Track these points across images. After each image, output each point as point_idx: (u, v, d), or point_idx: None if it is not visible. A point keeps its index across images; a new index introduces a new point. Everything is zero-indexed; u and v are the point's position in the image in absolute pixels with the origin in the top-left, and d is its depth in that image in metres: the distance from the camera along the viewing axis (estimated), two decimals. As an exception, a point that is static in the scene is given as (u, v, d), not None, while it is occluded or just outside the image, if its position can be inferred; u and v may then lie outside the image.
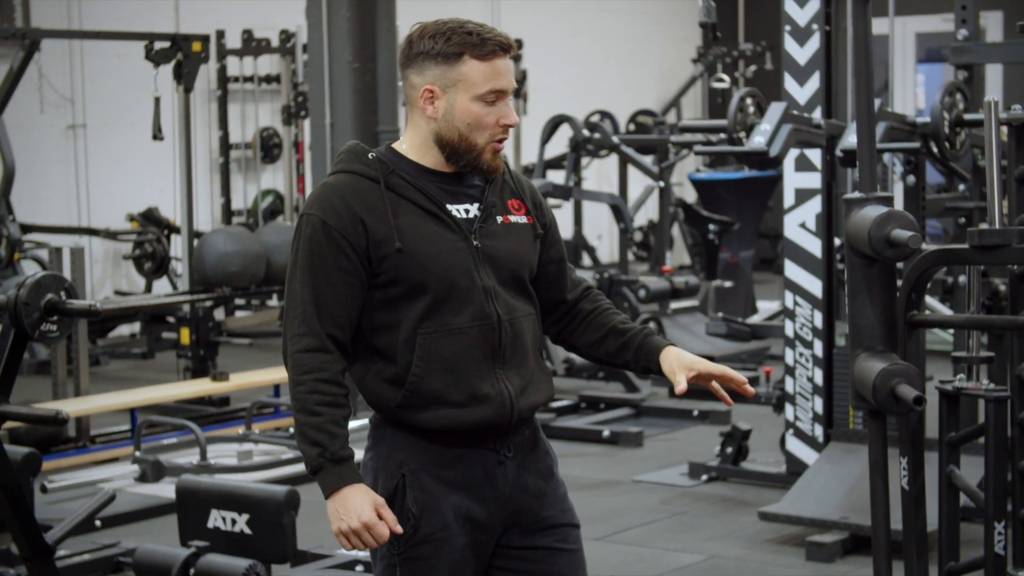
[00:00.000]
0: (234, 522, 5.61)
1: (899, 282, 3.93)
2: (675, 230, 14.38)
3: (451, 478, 3.33)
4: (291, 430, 8.33)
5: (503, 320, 3.34)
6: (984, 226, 3.80)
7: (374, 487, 3.33)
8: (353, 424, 8.78)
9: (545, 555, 3.42)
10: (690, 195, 15.31)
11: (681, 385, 3.37)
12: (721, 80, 15.15)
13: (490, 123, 3.32)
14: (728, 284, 11.88)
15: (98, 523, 6.76)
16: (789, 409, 7.13)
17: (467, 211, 3.37)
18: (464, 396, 3.28)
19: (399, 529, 3.25)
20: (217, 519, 5.66)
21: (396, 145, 3.42)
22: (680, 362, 3.42)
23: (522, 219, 3.45)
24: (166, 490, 7.20)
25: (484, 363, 3.32)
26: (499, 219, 3.40)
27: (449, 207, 3.35)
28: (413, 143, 3.38)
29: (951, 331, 8.75)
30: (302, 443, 3.26)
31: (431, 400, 3.30)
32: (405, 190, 3.33)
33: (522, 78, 14.75)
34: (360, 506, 3.21)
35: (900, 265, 4.09)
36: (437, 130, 3.33)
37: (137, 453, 7.79)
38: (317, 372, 3.26)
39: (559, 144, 12.71)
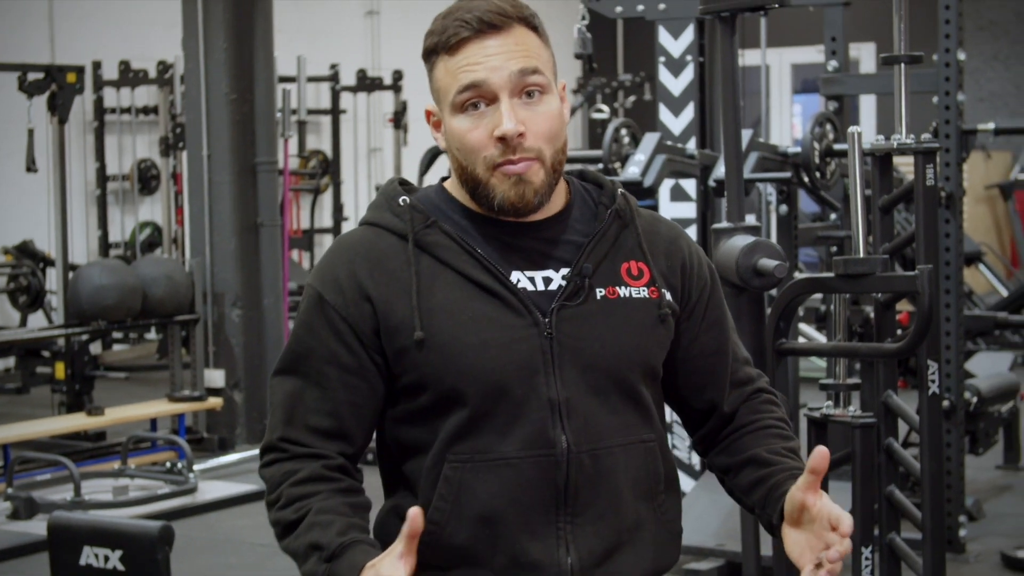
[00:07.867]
0: (107, 559, 5.52)
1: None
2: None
3: None
4: (168, 464, 8.24)
5: (574, 451, 2.29)
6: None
7: None
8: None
9: None
10: (571, 225, 15.40)
11: (804, 571, 2.20)
12: (600, 111, 15.28)
13: (479, 141, 2.30)
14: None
15: (-32, 562, 6.66)
16: (667, 437, 7.16)
17: (547, 280, 2.34)
18: (504, 560, 2.29)
19: (418, 522, 2.11)
20: (89, 556, 5.56)
21: (449, 183, 2.44)
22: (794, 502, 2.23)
23: (641, 291, 2.37)
24: (38, 527, 7.08)
25: (539, 513, 2.29)
26: (599, 292, 2.34)
27: (514, 276, 2.32)
28: (455, 182, 2.41)
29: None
30: (303, 567, 2.26)
31: (454, 561, 2.31)
32: (444, 251, 2.32)
33: (402, 109, 14.78)
34: None
35: (775, 292, 4.14)
36: (454, 164, 2.38)
37: (9, 490, 7.66)
38: (287, 477, 2.31)
39: (437, 175, 12.70)
